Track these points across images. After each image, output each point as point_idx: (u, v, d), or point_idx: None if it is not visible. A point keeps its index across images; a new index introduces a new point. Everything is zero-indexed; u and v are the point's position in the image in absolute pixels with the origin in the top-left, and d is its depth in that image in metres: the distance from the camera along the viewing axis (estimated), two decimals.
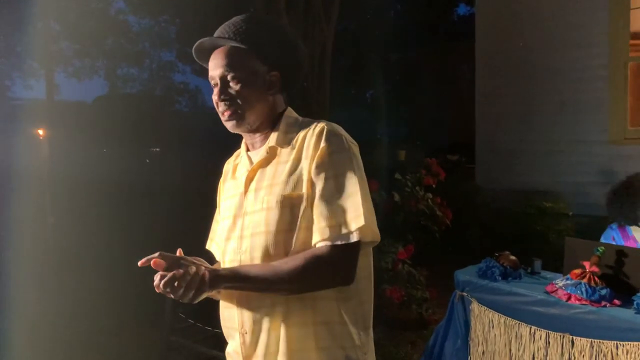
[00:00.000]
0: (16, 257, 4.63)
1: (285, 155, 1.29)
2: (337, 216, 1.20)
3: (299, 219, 1.22)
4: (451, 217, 4.01)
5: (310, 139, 1.26)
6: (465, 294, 2.76)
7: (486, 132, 6.64)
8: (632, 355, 2.12)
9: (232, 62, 1.28)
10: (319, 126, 1.28)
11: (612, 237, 2.80)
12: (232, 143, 1.43)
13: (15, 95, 16.06)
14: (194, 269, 1.13)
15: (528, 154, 6.05)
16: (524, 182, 5.89)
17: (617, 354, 2.16)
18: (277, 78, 1.33)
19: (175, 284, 1.11)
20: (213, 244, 1.46)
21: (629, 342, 2.14)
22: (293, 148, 1.28)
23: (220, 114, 1.32)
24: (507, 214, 5.44)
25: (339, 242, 1.19)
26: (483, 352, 2.67)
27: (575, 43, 5.70)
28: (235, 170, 1.42)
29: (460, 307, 2.79)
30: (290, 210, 1.22)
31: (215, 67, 1.30)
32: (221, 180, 1.48)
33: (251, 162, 1.34)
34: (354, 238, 1.20)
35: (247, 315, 1.26)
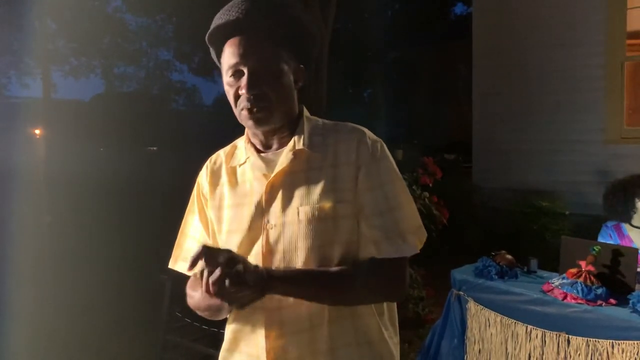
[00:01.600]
0: (13, 255, 4.62)
1: (317, 161, 1.14)
2: (392, 228, 1.11)
3: (342, 232, 1.11)
4: (448, 216, 4.02)
5: (349, 145, 1.14)
6: (461, 293, 2.76)
7: (483, 131, 6.65)
8: (628, 353, 2.13)
9: (265, 54, 1.11)
10: (355, 131, 1.17)
11: (609, 235, 2.82)
12: (229, 141, 1.29)
13: (12, 93, 16.01)
14: (253, 264, 1.00)
15: (525, 153, 6.06)
16: (521, 181, 5.90)
17: (612, 352, 2.17)
18: (303, 73, 1.19)
19: (242, 279, 0.95)
20: (180, 264, 1.26)
21: (625, 341, 2.14)
22: (326, 153, 1.15)
23: (241, 109, 1.13)
24: (503, 213, 5.45)
25: (396, 256, 1.11)
26: (479, 351, 2.67)
27: (572, 42, 5.71)
28: (234, 174, 1.21)
29: (456, 306, 2.79)
30: (333, 222, 1.10)
31: (242, 57, 1.10)
32: (205, 182, 1.25)
33: (268, 165, 1.16)
34: (412, 250, 1.13)
35: (278, 341, 1.11)
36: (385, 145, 1.17)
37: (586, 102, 5.63)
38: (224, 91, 1.17)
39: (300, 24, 1.15)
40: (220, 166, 1.25)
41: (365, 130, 1.18)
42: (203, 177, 1.26)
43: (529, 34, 6.07)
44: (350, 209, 1.11)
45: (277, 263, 1.11)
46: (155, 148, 15.49)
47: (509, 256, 2.78)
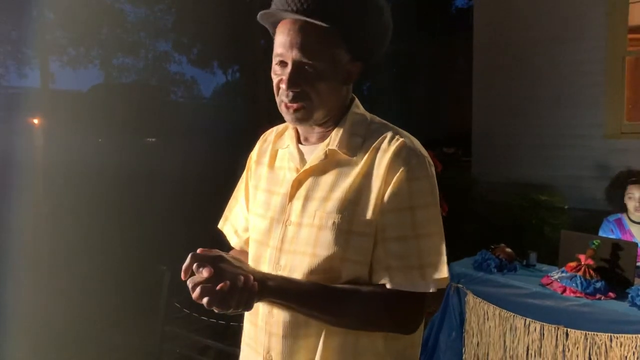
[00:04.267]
0: (10, 246, 4.61)
1: (348, 166, 1.05)
2: (412, 259, 1.00)
3: (355, 251, 1.01)
4: (447, 209, 4.01)
5: (385, 155, 1.03)
6: (460, 285, 2.77)
7: (483, 125, 6.64)
8: (626, 347, 2.13)
9: (313, 47, 1.01)
10: (396, 140, 1.05)
11: (610, 229, 2.85)
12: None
13: (10, 83, 15.92)
14: (242, 279, 0.92)
15: (524, 147, 6.06)
16: (520, 175, 5.89)
17: (611, 346, 2.18)
18: (358, 70, 1.10)
19: (224, 300, 0.90)
20: (228, 227, 1.27)
21: (623, 335, 2.15)
22: (360, 159, 1.05)
23: (281, 103, 1.07)
24: (502, 207, 5.45)
25: (409, 290, 1.01)
26: (477, 344, 2.68)
27: (573, 36, 5.69)
28: (274, 157, 1.17)
29: (455, 299, 2.80)
30: (346, 236, 1.01)
31: (288, 46, 1.02)
32: (254, 154, 1.23)
33: (302, 158, 1.11)
34: (429, 288, 1.02)
35: (276, 340, 1.06)
36: (428, 162, 1.06)
37: (586, 97, 5.61)
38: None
39: (362, 23, 1.03)
40: (268, 146, 1.21)
41: (409, 141, 1.06)
42: (255, 151, 1.24)
43: (530, 27, 6.04)
44: (369, 228, 1.01)
45: (284, 263, 1.06)
46: (153, 139, 15.44)
47: (508, 249, 2.79)
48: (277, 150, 1.18)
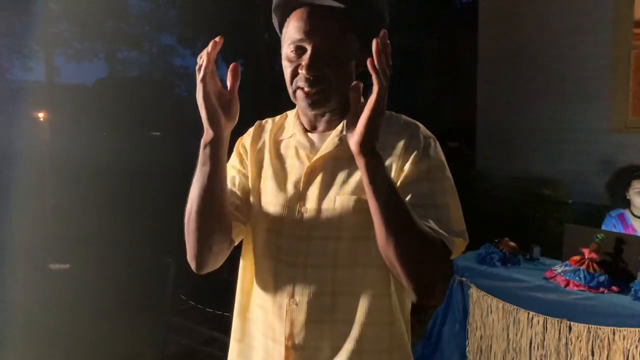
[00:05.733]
0: (16, 239, 4.64)
1: None
2: (432, 223, 0.99)
3: None
4: None
5: (399, 137, 1.07)
6: (464, 279, 2.78)
7: (487, 119, 6.63)
8: (629, 340, 2.14)
9: (333, 32, 1.05)
10: (409, 124, 1.11)
11: (612, 224, 2.86)
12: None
13: (15, 77, 15.96)
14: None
15: (528, 141, 6.05)
16: (524, 169, 5.89)
17: (613, 339, 2.19)
18: (365, 59, 1.11)
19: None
20: None
21: (626, 328, 2.16)
22: None
23: (297, 87, 1.07)
24: (506, 201, 5.45)
25: (439, 237, 0.98)
26: (481, 337, 2.69)
27: (579, 31, 5.67)
28: (277, 147, 1.17)
29: (459, 292, 2.81)
30: (369, 215, 1.00)
31: (307, 34, 1.05)
32: (248, 142, 1.20)
33: (313, 146, 1.12)
34: (450, 245, 1.00)
35: (299, 326, 1.06)
36: (438, 143, 1.10)
37: (591, 91, 5.60)
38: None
39: (373, 5, 1.09)
40: (266, 133, 1.20)
41: (420, 125, 1.12)
42: (248, 140, 1.20)
43: (535, 22, 6.02)
44: None
45: (305, 249, 1.06)
46: (158, 133, 15.44)
47: (511, 243, 2.79)
48: (280, 140, 1.17)
